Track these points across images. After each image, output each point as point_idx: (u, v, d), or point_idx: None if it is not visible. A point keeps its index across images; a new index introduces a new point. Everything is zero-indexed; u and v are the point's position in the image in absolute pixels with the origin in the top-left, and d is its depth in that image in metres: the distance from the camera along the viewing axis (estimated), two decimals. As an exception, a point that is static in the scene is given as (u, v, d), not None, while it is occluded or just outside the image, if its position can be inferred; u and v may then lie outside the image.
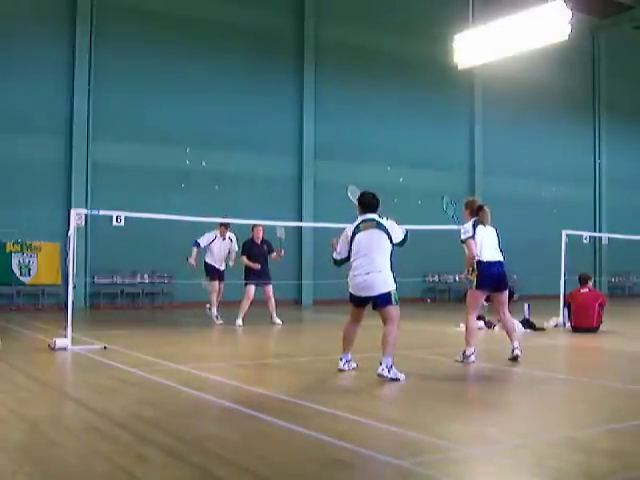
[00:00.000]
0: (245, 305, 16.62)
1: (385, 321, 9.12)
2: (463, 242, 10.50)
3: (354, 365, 9.45)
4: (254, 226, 16.99)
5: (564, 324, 15.82)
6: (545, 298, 21.20)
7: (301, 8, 26.37)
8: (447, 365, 10.38)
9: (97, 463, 5.10)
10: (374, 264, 8.95)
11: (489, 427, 6.29)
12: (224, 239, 17.44)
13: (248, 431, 6.11)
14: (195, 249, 17.22)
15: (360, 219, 9.21)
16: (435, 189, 28.29)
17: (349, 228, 9.19)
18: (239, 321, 16.41)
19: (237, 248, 17.40)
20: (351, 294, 9.18)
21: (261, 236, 16.91)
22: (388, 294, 9.03)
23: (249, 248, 16.80)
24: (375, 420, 6.41)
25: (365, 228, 9.06)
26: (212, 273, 17.37)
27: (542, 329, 15.45)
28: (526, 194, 30.44)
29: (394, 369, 8.61)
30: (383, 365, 8.60)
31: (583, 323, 14.87)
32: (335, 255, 9.32)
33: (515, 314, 16.33)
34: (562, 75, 32.05)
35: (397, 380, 8.50)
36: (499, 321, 14.06)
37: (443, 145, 29.13)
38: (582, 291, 15.25)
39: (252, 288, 16.69)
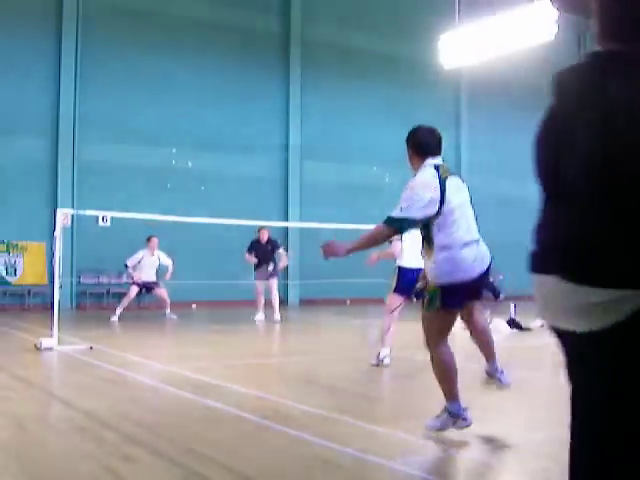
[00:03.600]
0: (260, 299, 17.91)
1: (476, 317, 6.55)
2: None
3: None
4: (260, 228, 18.01)
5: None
6: (531, 298, 21.23)
7: (287, 8, 26.36)
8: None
9: (83, 463, 5.09)
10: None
11: (479, 427, 6.30)
12: (152, 255, 18.66)
13: (234, 431, 6.11)
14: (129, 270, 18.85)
15: (433, 163, 5.93)
16: (422, 189, 28.37)
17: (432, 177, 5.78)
18: (274, 315, 17.56)
19: (168, 261, 18.78)
20: (455, 285, 5.76)
21: (266, 238, 18.01)
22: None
23: (254, 248, 17.96)
24: (364, 420, 6.42)
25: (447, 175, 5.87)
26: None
27: (528, 329, 15.50)
28: (512, 194, 30.45)
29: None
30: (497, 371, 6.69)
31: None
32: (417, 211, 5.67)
33: (501, 314, 16.44)
34: (549, 75, 31.96)
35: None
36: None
37: (429, 145, 29.14)
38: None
39: (259, 283, 17.97)
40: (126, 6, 23.49)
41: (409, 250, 9.80)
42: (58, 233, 12.13)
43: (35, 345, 11.43)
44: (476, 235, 5.80)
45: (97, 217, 13.82)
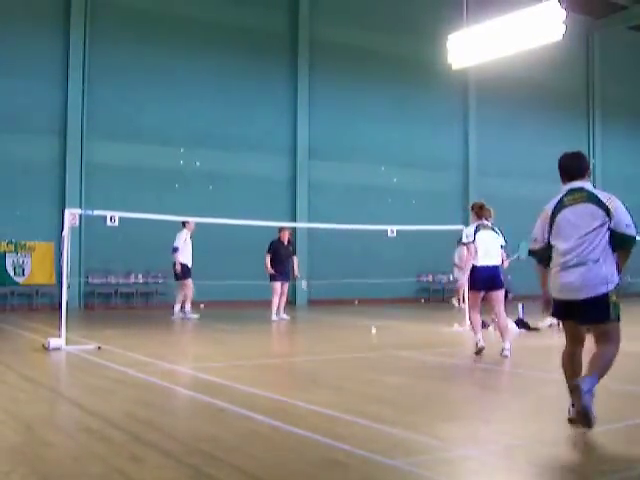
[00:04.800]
0: (276, 301, 17.98)
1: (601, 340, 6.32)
2: (465, 244, 11.67)
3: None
4: (281, 228, 18.29)
5: (558, 324, 15.80)
6: (539, 298, 21.21)
7: (295, 8, 26.36)
8: (441, 365, 10.38)
9: (91, 463, 5.10)
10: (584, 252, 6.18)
11: (484, 427, 6.29)
12: (191, 236, 18.82)
13: (242, 431, 6.10)
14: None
15: (565, 189, 6.49)
16: (429, 189, 28.42)
17: (549, 206, 6.57)
18: (278, 316, 17.96)
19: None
20: (555, 299, 6.51)
21: (287, 238, 18.13)
22: (605, 297, 6.12)
23: (276, 248, 18.00)
24: (369, 420, 6.40)
25: (571, 203, 6.37)
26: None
27: (536, 329, 15.47)
28: (520, 194, 30.41)
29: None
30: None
31: (577, 323, 14.86)
32: (531, 244, 6.73)
33: (509, 314, 16.39)
34: (556, 75, 32.07)
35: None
36: (493, 320, 14.60)
37: (437, 145, 29.14)
38: (576, 291, 15.24)
39: (279, 284, 18.06)
40: (133, 5, 23.52)
41: (481, 250, 11.27)
42: (66, 233, 12.15)
43: (43, 345, 11.46)
44: (580, 260, 6.09)
45: (105, 217, 13.85)
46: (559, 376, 9.55)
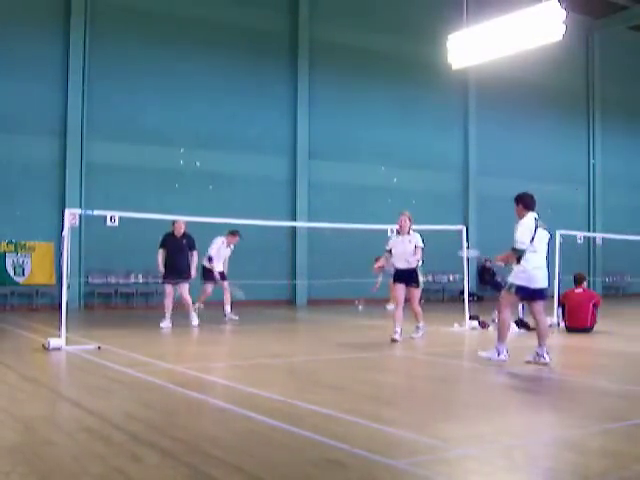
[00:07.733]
0: (167, 303, 16.11)
1: (539, 313, 10.27)
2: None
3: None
4: (175, 221, 16.31)
5: (558, 324, 15.84)
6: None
7: (295, 8, 26.35)
8: (441, 365, 10.38)
9: (91, 463, 5.10)
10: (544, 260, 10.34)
11: (483, 427, 6.29)
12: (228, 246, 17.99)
13: (242, 431, 6.10)
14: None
15: (532, 216, 10.22)
16: (429, 189, 28.41)
17: (531, 223, 10.10)
18: (167, 322, 16.00)
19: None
20: (524, 287, 9.97)
21: (182, 231, 16.21)
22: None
23: (166, 243, 16.21)
24: (369, 420, 6.40)
25: (541, 226, 10.20)
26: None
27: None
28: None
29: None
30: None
31: (577, 323, 14.88)
32: (522, 246, 9.97)
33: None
34: (556, 75, 32.06)
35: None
36: (493, 321, 14.94)
37: (437, 145, 29.13)
38: (576, 291, 15.25)
39: (169, 286, 16.11)
40: (133, 6, 23.51)
41: (396, 257, 14.09)
42: (66, 233, 12.15)
43: (43, 345, 11.45)
44: (544, 264, 10.03)
45: (105, 217, 13.84)
46: (559, 376, 9.56)
